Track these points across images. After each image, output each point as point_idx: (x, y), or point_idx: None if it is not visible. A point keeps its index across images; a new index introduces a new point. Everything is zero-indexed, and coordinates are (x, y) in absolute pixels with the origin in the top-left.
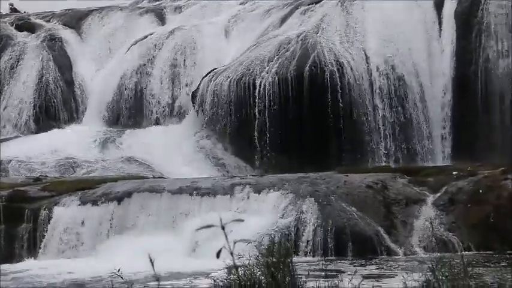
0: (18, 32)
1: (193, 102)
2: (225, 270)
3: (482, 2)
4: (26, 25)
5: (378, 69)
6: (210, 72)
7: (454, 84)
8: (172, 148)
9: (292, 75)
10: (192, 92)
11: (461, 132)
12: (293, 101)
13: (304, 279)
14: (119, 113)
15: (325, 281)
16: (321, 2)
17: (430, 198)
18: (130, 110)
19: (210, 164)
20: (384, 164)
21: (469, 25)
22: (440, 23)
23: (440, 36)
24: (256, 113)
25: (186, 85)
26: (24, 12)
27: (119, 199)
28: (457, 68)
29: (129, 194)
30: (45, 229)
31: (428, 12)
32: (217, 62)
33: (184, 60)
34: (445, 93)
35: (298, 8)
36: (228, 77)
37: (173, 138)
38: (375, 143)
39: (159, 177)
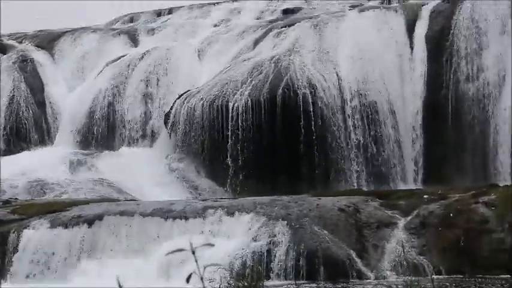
0: None
1: (166, 125)
2: None
3: (453, 26)
4: None
5: (350, 91)
6: (183, 94)
7: (425, 107)
8: (145, 170)
9: (265, 97)
10: (165, 114)
11: (432, 155)
12: (266, 123)
13: None
14: (91, 134)
15: None
16: (294, 25)
17: (402, 222)
18: (102, 132)
19: (183, 187)
20: (356, 187)
21: (439, 49)
22: (411, 47)
23: (411, 59)
24: (229, 136)
25: (159, 107)
26: None
27: (90, 222)
28: (428, 91)
29: (100, 217)
30: (15, 253)
31: (400, 35)
32: (191, 84)
33: (157, 82)
34: (416, 116)
35: (272, 30)
36: (201, 99)
37: (145, 161)
38: (347, 166)
39: (130, 200)
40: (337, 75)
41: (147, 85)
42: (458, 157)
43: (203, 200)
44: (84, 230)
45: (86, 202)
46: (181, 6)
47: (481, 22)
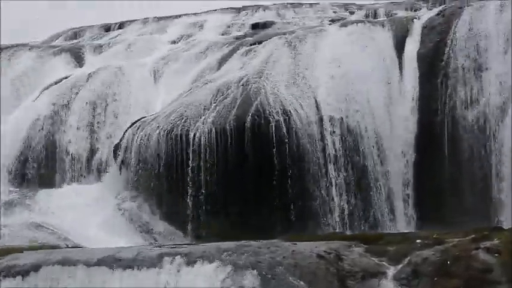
0: None
1: (115, 157)
2: None
3: (449, 44)
4: None
5: (330, 118)
6: (135, 122)
7: (418, 137)
8: (90, 211)
9: (232, 126)
10: (114, 145)
11: (426, 193)
12: (233, 155)
13: None
14: (27, 169)
15: None
16: (265, 42)
17: (391, 271)
18: (40, 166)
19: (135, 230)
20: (337, 230)
21: (433, 69)
22: (401, 66)
23: (401, 81)
24: (190, 170)
25: (107, 137)
26: None
27: (24, 273)
28: (420, 118)
29: (36, 268)
30: None
31: (387, 53)
32: (145, 110)
33: (106, 108)
34: (407, 146)
35: (239, 48)
36: (157, 127)
37: (91, 200)
38: (328, 206)
39: (73, 247)
40: (316, 100)
41: (93, 111)
42: (456, 194)
43: (158, 246)
44: (18, 283)
45: (20, 250)
46: (133, 20)
47: (481, 39)
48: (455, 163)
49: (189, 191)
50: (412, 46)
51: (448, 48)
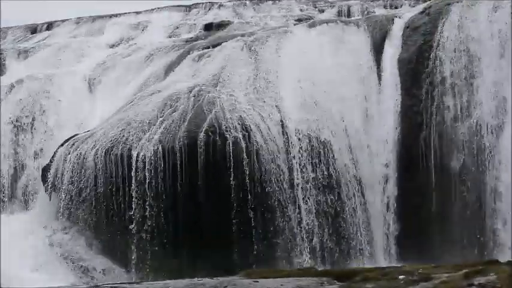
0: None
1: (44, 182)
2: None
3: (435, 47)
4: None
5: (297, 134)
6: (68, 140)
7: (399, 156)
8: (15, 246)
9: (182, 144)
10: (43, 168)
11: (409, 222)
12: (184, 178)
13: None
14: None
15: None
16: (221, 45)
17: None
18: None
19: (68, 268)
20: (307, 264)
21: (417, 76)
22: (379, 74)
23: (380, 91)
24: (133, 195)
25: (35, 157)
26: None
27: None
28: (402, 133)
29: None
30: None
31: (363, 58)
32: (79, 126)
33: (33, 123)
34: (387, 168)
35: (190, 52)
36: (94, 146)
37: (16, 233)
38: (296, 237)
39: None
40: (280, 112)
41: (17, 128)
42: (444, 223)
43: (96, 286)
44: None
45: None
46: (65, 20)
47: (473, 42)
48: (444, 187)
49: (133, 220)
50: (392, 50)
51: (433, 53)
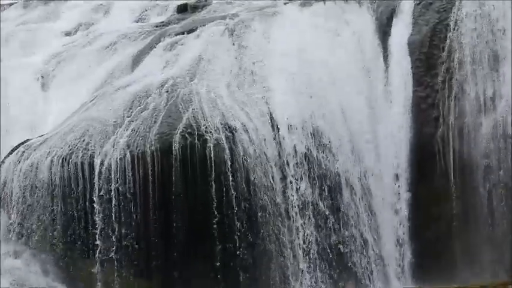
0: None
1: None
2: None
3: (452, 26)
4: None
5: (290, 134)
6: (18, 147)
7: (412, 158)
8: None
9: (154, 148)
10: None
11: (426, 235)
12: (156, 188)
13: None
14: None
15: None
16: (197, 30)
17: None
18: None
19: None
20: None
21: (431, 62)
22: (386, 60)
23: (387, 80)
24: (97, 209)
25: None
26: None
27: None
28: (415, 130)
29: None
30: None
31: (368, 42)
32: (31, 129)
33: None
34: (398, 173)
35: (161, 39)
36: (49, 153)
37: None
38: (290, 256)
39: None
40: (269, 108)
41: None
42: (466, 237)
43: None
44: None
45: None
46: (12, 3)
47: (498, 18)
48: (466, 194)
49: (97, 241)
50: (401, 31)
51: (450, 34)
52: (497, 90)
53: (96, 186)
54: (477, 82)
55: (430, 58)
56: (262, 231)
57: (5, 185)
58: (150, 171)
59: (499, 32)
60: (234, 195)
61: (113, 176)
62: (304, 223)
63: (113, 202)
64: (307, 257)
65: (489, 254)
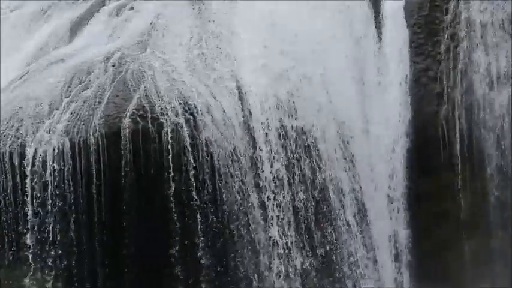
0: None
1: None
2: None
3: None
4: None
5: (265, 115)
6: None
7: (411, 143)
8: None
9: (99, 134)
10: None
11: (427, 236)
12: (102, 184)
13: None
14: None
15: None
16: None
17: None
18: None
19: None
20: None
21: (432, 28)
22: (379, 28)
23: (379, 51)
24: (30, 209)
25: None
26: None
27: None
28: (414, 110)
29: None
30: None
31: (357, 7)
32: None
33: None
34: (392, 159)
35: (105, 3)
36: None
37: None
38: (267, 256)
39: None
40: (239, 86)
41: None
42: (476, 237)
43: None
44: None
45: None
46: None
47: None
48: (475, 185)
49: (29, 244)
50: None
51: None
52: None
53: (28, 180)
54: (488, 50)
55: (431, 23)
56: (230, 224)
57: None
58: (93, 162)
59: None
60: (196, 183)
61: (48, 168)
62: (280, 218)
63: (49, 199)
64: (280, 224)
65: (501, 257)
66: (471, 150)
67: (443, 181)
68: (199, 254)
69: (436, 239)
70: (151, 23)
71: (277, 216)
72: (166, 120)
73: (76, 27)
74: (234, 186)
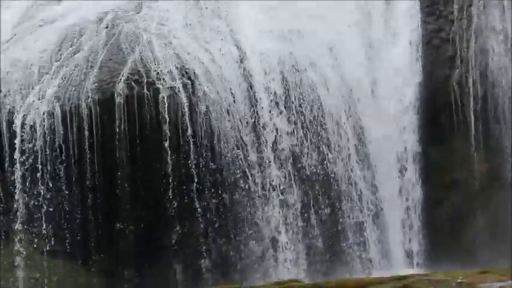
0: None
1: None
2: None
3: None
4: None
5: (267, 80)
6: None
7: (421, 112)
8: None
9: (92, 101)
10: None
11: (438, 212)
12: (95, 154)
13: None
14: None
15: None
16: None
17: None
18: None
19: None
20: (288, 275)
21: None
22: None
23: (387, 10)
24: (18, 181)
25: None
26: None
27: None
28: (425, 74)
29: None
30: None
31: None
32: None
33: None
34: (402, 129)
35: None
36: None
37: None
38: (269, 235)
39: None
40: (239, 48)
41: None
42: (490, 212)
43: None
44: None
45: None
46: None
47: None
48: (492, 158)
49: (16, 219)
50: None
51: None
52: None
53: (17, 150)
54: (505, 9)
55: None
56: (231, 193)
57: None
58: (86, 130)
59: None
60: (195, 153)
61: (38, 136)
62: (282, 188)
63: (40, 170)
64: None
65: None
66: (487, 120)
67: (457, 153)
68: (196, 214)
69: (448, 208)
70: None
71: (282, 175)
72: (163, 85)
73: None
74: (235, 143)
